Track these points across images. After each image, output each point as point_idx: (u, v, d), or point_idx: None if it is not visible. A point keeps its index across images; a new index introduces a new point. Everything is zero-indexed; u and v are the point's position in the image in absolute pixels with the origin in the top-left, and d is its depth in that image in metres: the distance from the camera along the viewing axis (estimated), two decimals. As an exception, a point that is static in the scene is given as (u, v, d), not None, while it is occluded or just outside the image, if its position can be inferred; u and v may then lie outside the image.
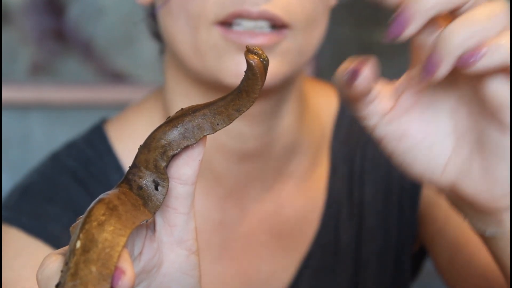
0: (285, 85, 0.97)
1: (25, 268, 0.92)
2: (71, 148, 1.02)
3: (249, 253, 1.00)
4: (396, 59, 2.41)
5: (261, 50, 0.60)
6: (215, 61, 0.90)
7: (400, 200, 1.02)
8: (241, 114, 0.60)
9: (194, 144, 0.60)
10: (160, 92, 1.03)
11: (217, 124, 0.60)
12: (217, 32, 0.90)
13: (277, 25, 0.90)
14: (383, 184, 1.03)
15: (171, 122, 0.60)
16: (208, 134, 0.60)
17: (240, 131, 0.96)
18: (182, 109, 0.60)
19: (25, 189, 0.99)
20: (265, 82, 0.89)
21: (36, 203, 0.97)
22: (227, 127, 0.95)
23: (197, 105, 0.60)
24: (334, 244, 1.02)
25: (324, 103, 1.07)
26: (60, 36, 2.14)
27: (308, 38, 0.93)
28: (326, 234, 1.01)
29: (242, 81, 0.59)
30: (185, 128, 0.59)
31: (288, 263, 1.01)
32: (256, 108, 0.96)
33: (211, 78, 0.92)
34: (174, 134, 0.59)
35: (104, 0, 2.14)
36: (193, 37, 0.91)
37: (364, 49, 2.34)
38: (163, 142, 0.59)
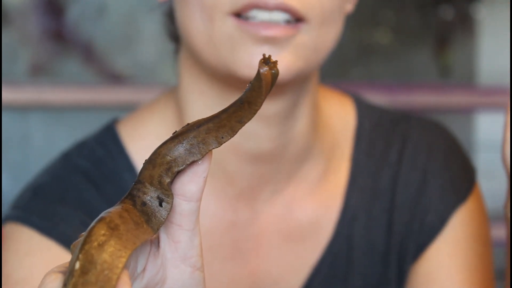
0: (300, 84, 0.96)
1: (36, 267, 0.92)
2: (82, 147, 1.02)
3: (260, 255, 1.00)
4: (395, 60, 2.41)
5: (275, 62, 0.59)
6: (229, 51, 0.90)
7: (420, 228, 1.02)
8: (243, 125, 0.60)
9: (200, 159, 0.60)
10: (172, 92, 1.03)
11: (222, 137, 0.60)
12: (232, 23, 0.90)
13: (293, 18, 0.90)
14: (409, 210, 1.02)
15: (176, 138, 0.59)
16: (213, 148, 0.60)
17: (255, 132, 0.96)
18: (188, 124, 0.60)
19: (37, 189, 0.98)
20: (279, 77, 0.90)
21: (48, 202, 0.97)
22: (242, 128, 0.95)
23: (201, 120, 0.60)
24: (347, 253, 1.01)
25: (338, 111, 1.06)
26: (60, 37, 2.14)
27: (323, 36, 0.92)
28: (340, 242, 1.01)
29: (245, 92, 0.59)
30: (191, 144, 0.59)
31: (299, 268, 1.01)
32: (272, 109, 0.96)
33: (225, 70, 0.92)
34: (179, 150, 0.59)
35: (104, 1, 2.14)
36: (208, 28, 0.91)
37: (364, 50, 2.34)
38: (168, 158, 0.59)
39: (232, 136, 0.60)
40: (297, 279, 1.00)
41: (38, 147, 2.11)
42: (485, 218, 1.04)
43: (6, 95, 1.97)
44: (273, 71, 0.59)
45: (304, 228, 1.01)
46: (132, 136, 1.01)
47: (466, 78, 2.38)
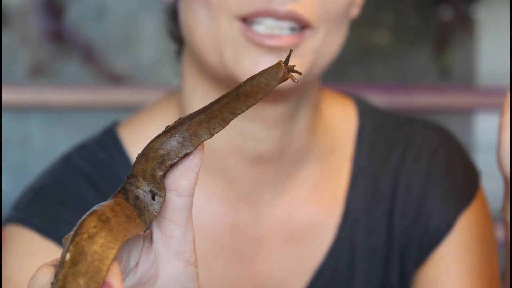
0: (303, 88, 0.97)
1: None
2: (83, 150, 1.02)
3: (262, 257, 1.00)
4: (395, 61, 2.41)
5: (293, 67, 0.60)
6: (233, 56, 0.90)
7: (424, 232, 1.01)
8: (235, 117, 0.60)
9: (192, 151, 0.60)
10: (173, 95, 1.03)
11: (213, 128, 0.60)
12: (237, 27, 0.90)
13: (299, 26, 0.90)
14: (411, 214, 1.01)
15: (168, 131, 0.60)
16: (205, 140, 0.60)
17: (256, 134, 0.96)
18: (180, 118, 0.60)
19: (38, 191, 0.98)
20: (283, 82, 0.90)
21: (49, 204, 0.97)
22: (243, 129, 0.96)
23: (193, 112, 0.60)
24: (349, 257, 1.01)
25: (340, 113, 1.05)
26: (60, 38, 2.14)
27: (328, 42, 0.92)
28: (342, 246, 1.01)
29: (244, 85, 0.59)
30: (183, 137, 0.59)
31: (301, 271, 1.00)
32: (274, 112, 0.96)
33: (226, 73, 0.92)
34: (172, 143, 0.59)
35: (103, 2, 2.14)
36: (213, 29, 0.91)
37: (363, 51, 2.34)
38: (161, 152, 0.59)
39: (224, 127, 0.60)
40: (300, 283, 1.00)
41: (38, 148, 2.11)
42: (490, 222, 1.03)
43: (6, 96, 1.98)
44: (285, 79, 0.59)
45: (306, 231, 1.01)
46: (133, 138, 1.01)
47: (466, 79, 2.38)
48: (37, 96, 2.02)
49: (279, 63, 0.59)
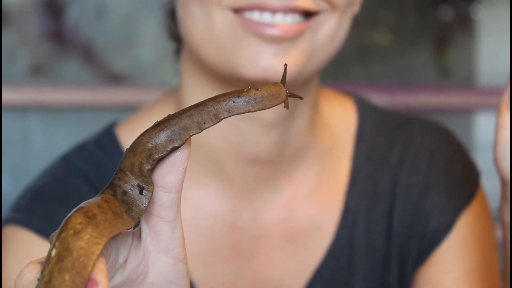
0: (301, 85, 0.96)
1: None
2: (82, 150, 1.02)
3: (261, 256, 1.00)
4: (395, 61, 2.41)
5: (293, 96, 0.61)
6: (233, 49, 0.90)
7: (424, 232, 1.01)
8: (230, 116, 0.59)
9: (180, 145, 0.59)
10: (171, 94, 1.03)
11: (204, 123, 0.59)
12: (232, 17, 0.89)
13: (302, 15, 0.89)
14: (410, 214, 1.01)
15: (158, 126, 0.59)
16: (194, 134, 0.59)
17: (253, 135, 0.96)
18: (169, 114, 0.60)
19: (37, 191, 0.99)
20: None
21: (48, 205, 0.97)
22: (242, 129, 0.96)
23: (185, 108, 0.60)
24: (349, 256, 1.00)
25: (339, 112, 1.05)
26: (60, 37, 2.14)
27: (332, 33, 0.92)
28: (341, 245, 1.00)
29: (249, 90, 0.59)
30: (172, 131, 0.59)
31: (301, 271, 1.00)
32: (273, 110, 0.95)
33: (227, 69, 0.91)
34: (160, 137, 0.59)
35: (103, 2, 2.14)
36: (208, 25, 0.90)
37: (363, 51, 2.34)
38: (149, 145, 0.59)
39: (215, 123, 0.59)
40: (299, 282, 1.00)
41: (38, 148, 2.11)
42: (490, 222, 1.03)
43: (6, 96, 1.98)
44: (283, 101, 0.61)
45: (306, 230, 1.01)
46: (131, 138, 1.01)
47: (465, 79, 2.38)
48: (37, 95, 2.02)
49: (280, 87, 0.60)
